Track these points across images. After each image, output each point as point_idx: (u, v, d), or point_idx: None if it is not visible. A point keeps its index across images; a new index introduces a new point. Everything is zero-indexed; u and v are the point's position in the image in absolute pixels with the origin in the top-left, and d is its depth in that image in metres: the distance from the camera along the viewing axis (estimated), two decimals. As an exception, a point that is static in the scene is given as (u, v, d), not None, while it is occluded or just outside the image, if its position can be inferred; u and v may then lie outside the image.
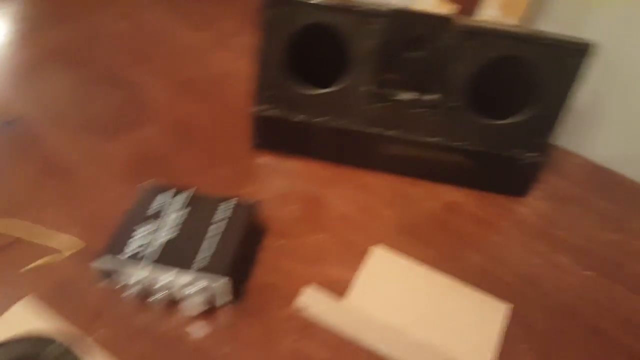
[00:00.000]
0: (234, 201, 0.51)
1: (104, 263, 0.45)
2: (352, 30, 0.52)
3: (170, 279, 0.45)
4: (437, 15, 0.52)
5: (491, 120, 0.56)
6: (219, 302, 0.47)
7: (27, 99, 0.68)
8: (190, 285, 0.45)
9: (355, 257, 0.54)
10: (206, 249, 0.47)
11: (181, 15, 0.85)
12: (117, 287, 0.47)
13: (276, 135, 0.61)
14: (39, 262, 0.48)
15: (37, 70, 0.72)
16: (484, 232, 0.58)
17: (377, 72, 0.54)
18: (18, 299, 0.46)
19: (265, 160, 0.62)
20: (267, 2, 0.52)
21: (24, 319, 0.44)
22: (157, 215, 0.49)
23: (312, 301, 0.49)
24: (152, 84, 0.71)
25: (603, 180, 0.67)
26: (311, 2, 0.51)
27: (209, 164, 0.61)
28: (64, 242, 0.50)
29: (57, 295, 0.47)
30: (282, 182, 0.60)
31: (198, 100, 0.70)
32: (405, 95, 0.56)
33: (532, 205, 0.62)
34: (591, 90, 0.58)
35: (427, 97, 0.56)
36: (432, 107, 0.56)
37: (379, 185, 0.62)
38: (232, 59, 0.76)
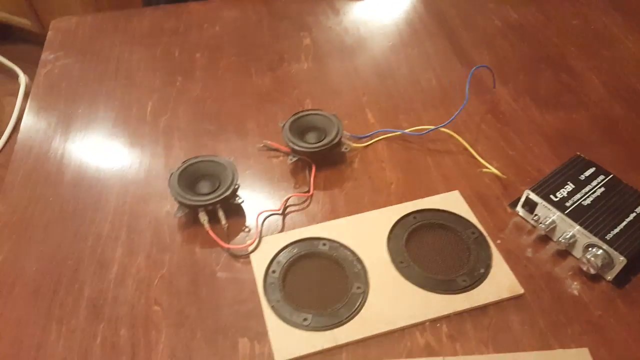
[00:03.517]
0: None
1: (531, 195, 0.56)
2: None
3: (578, 234, 0.52)
4: None
5: None
6: (608, 276, 0.52)
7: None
8: (591, 247, 0.52)
9: None
10: (615, 226, 0.53)
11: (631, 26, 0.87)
12: (531, 219, 0.57)
13: None
14: (492, 170, 0.62)
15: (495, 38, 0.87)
16: None
17: None
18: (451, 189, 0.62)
19: None
20: None
21: (454, 203, 0.60)
22: (579, 182, 0.57)
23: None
24: (591, 78, 0.77)
25: None
26: None
27: (628, 162, 0.64)
28: (494, 168, 0.62)
29: (476, 198, 0.61)
30: None
31: (630, 104, 0.73)
32: None
33: None
34: None
35: None
36: None
37: None
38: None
